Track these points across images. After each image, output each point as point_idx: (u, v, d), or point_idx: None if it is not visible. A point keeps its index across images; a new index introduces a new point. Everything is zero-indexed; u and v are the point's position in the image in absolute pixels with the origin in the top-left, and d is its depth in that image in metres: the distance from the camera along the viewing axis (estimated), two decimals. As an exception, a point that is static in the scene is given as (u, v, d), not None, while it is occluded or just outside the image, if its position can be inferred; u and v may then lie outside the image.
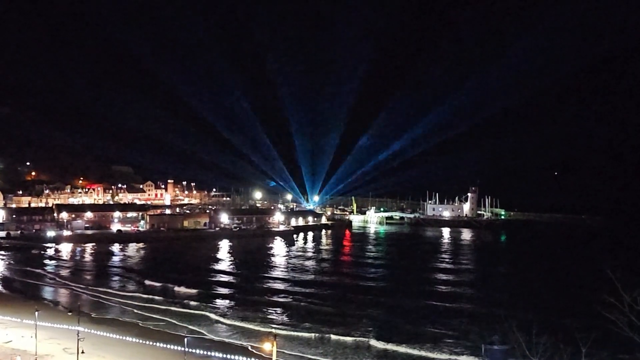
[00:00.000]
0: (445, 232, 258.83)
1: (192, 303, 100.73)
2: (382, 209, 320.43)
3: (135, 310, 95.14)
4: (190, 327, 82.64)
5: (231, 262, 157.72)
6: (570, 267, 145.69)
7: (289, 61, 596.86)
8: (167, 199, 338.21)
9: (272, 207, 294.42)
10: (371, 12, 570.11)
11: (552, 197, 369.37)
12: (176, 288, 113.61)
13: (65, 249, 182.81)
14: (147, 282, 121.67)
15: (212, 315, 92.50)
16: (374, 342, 76.09)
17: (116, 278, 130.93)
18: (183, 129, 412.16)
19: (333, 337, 77.82)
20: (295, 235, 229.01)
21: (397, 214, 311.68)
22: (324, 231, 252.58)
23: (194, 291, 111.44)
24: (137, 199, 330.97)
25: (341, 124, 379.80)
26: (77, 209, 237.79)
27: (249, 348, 71.64)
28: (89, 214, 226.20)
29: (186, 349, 60.60)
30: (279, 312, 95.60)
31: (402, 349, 73.55)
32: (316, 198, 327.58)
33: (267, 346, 55.14)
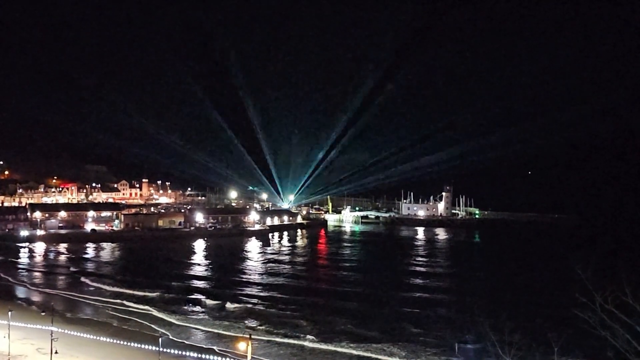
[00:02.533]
0: (420, 231, 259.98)
1: (164, 305, 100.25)
2: (357, 208, 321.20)
3: (109, 311, 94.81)
4: (163, 329, 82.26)
5: (204, 263, 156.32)
6: (543, 266, 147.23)
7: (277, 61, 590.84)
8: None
9: (248, 207, 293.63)
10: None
11: (526, 196, 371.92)
12: (146, 292, 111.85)
13: (39, 248, 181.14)
14: (116, 287, 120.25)
15: (185, 317, 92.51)
16: (344, 346, 76.03)
17: (89, 278, 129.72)
18: (159, 128, 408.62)
19: (306, 344, 77.32)
20: (270, 235, 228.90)
21: (372, 213, 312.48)
22: (299, 230, 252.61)
23: (164, 293, 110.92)
24: (111, 198, 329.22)
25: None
26: (51, 208, 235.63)
27: (215, 349, 71.53)
28: (62, 214, 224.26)
29: (160, 349, 60.47)
30: (251, 316, 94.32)
31: (372, 351, 73.73)
32: (292, 197, 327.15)
33: (242, 346, 55.28)
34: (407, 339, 78.20)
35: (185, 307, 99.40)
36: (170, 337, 77.26)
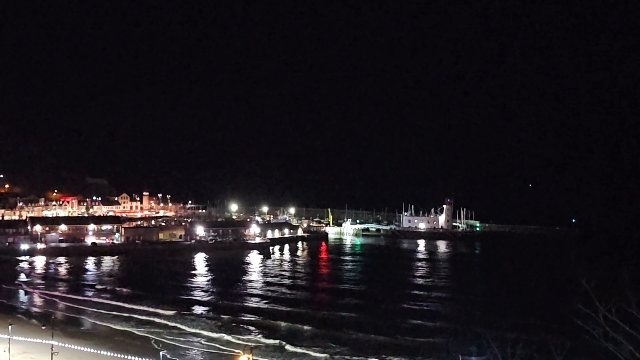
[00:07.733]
0: (421, 244, 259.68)
1: (164, 319, 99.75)
2: (358, 221, 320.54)
3: (109, 325, 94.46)
4: (163, 343, 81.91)
5: (204, 278, 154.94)
6: (545, 277, 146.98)
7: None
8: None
9: (248, 219, 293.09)
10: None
11: (526, 209, 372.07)
12: (146, 307, 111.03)
13: (39, 262, 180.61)
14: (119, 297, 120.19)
15: (184, 331, 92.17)
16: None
17: (89, 292, 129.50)
18: (159, 142, 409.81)
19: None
20: (271, 248, 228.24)
21: (373, 226, 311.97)
22: (300, 243, 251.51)
23: (164, 307, 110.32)
24: (112, 211, 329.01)
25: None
26: (51, 222, 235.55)
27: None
28: (63, 227, 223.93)
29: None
30: (251, 333, 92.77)
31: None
32: (292, 210, 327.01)
33: (243, 359, 55.06)
34: (411, 353, 77.74)
35: (186, 322, 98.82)
36: (170, 351, 76.88)
